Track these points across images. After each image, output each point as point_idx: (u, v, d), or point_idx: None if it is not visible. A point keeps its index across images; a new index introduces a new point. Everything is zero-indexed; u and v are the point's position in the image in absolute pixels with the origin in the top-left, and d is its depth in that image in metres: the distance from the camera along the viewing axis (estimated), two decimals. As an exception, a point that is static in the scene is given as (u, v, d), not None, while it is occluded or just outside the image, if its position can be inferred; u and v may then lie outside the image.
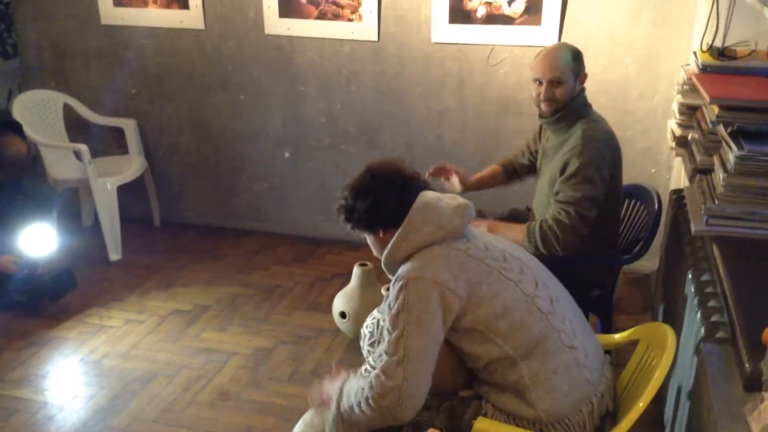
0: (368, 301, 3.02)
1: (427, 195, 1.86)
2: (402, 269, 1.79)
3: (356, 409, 1.77)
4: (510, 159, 2.88)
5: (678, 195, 2.72)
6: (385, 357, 1.74)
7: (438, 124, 3.72)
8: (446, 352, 1.83)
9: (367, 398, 1.74)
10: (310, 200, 4.09)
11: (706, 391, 1.60)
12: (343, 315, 3.05)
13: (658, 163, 3.45)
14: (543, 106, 2.48)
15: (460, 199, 1.87)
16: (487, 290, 1.75)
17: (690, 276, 2.18)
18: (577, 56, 2.45)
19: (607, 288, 2.61)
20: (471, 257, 1.79)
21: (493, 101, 3.59)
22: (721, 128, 2.20)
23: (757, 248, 2.02)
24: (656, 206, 2.58)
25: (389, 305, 1.78)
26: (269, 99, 3.93)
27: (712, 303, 1.95)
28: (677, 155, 2.75)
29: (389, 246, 1.84)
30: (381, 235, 1.90)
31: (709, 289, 2.02)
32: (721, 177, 2.09)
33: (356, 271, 3.07)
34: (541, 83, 2.44)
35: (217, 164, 4.17)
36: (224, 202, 4.25)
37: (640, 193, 2.73)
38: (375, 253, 2.00)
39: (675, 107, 2.80)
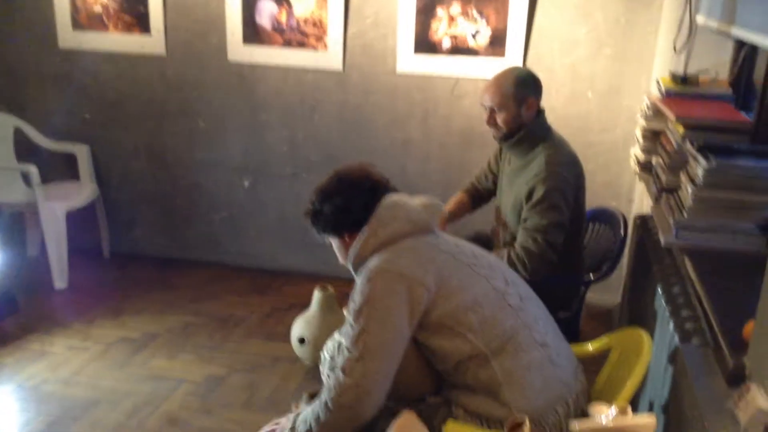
0: (329, 325, 2.91)
1: (394, 195, 1.83)
2: (369, 263, 1.72)
3: (313, 424, 1.67)
4: (473, 184, 2.86)
5: (642, 219, 2.72)
6: (345, 353, 1.67)
7: (402, 155, 3.69)
8: (414, 356, 1.76)
9: (325, 402, 1.67)
10: (269, 231, 3.99)
11: (687, 392, 1.55)
12: (302, 340, 2.93)
13: (620, 196, 3.47)
14: (492, 131, 2.49)
15: (430, 198, 1.84)
16: (458, 284, 1.69)
17: (659, 291, 2.15)
18: (523, 82, 2.43)
19: (572, 310, 2.56)
20: (441, 251, 1.75)
21: (457, 132, 3.59)
22: (688, 144, 2.22)
23: (725, 259, 2.01)
24: (622, 227, 2.58)
25: (352, 299, 1.70)
26: (230, 127, 3.86)
27: (684, 312, 1.91)
28: (641, 180, 2.76)
29: (357, 243, 1.78)
30: (347, 239, 1.84)
31: (680, 300, 1.99)
32: (689, 191, 2.09)
33: (317, 294, 2.97)
34: (485, 109, 2.46)
35: (172, 193, 4.05)
36: (179, 233, 4.12)
37: (605, 216, 2.72)
38: (340, 259, 1.93)
39: (638, 134, 2.83)
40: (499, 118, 2.42)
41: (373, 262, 1.72)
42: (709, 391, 1.48)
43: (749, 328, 1.50)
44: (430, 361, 1.75)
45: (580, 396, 1.73)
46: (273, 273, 3.93)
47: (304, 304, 3.35)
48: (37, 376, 2.85)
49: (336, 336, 2.65)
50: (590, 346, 1.96)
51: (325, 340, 2.84)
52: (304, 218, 1.96)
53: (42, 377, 2.84)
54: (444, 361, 1.71)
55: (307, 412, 1.76)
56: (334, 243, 1.91)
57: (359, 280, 1.72)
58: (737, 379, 1.42)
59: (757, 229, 2.04)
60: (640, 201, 3.27)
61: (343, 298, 3.18)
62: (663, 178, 2.39)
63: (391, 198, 1.81)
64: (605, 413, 0.96)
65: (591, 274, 2.58)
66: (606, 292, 3.46)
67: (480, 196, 2.83)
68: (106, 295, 3.60)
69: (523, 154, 2.46)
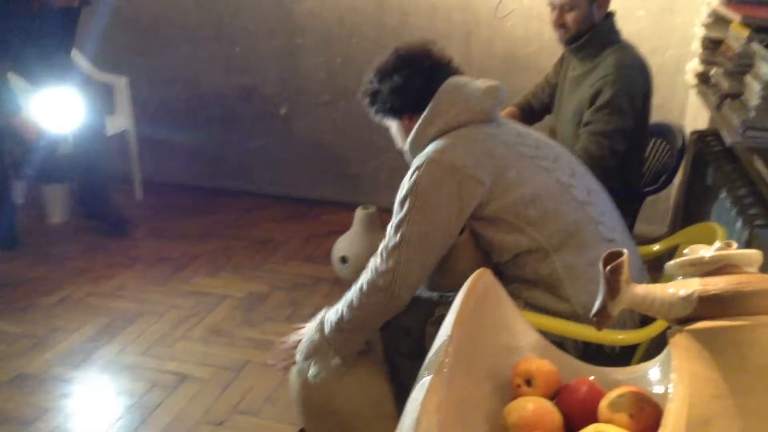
0: (371, 245, 2.86)
1: (456, 78, 1.74)
2: (425, 151, 1.66)
3: (345, 314, 1.65)
4: (528, 99, 2.75)
5: (699, 134, 2.63)
6: (386, 238, 1.63)
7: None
8: (470, 247, 1.70)
9: (360, 285, 1.64)
10: (305, 160, 3.93)
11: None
12: (343, 260, 2.90)
13: (671, 119, 3.36)
14: (557, 34, 2.39)
15: (492, 81, 1.75)
16: (516, 176, 1.62)
17: (723, 195, 2.07)
18: None
19: (628, 222, 2.49)
20: (500, 142, 1.67)
21: (499, 56, 3.49)
22: (755, 44, 2.12)
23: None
24: (680, 141, 2.48)
25: (403, 183, 1.65)
26: (265, 52, 3.79)
27: (753, 210, 1.84)
28: (699, 94, 2.66)
29: (414, 130, 1.71)
30: (406, 121, 1.77)
31: (748, 200, 1.91)
32: (756, 90, 2.00)
33: (359, 213, 2.92)
34: (554, 8, 2.35)
35: (207, 122, 4.01)
36: (214, 161, 4.08)
37: (660, 130, 2.63)
38: (399, 144, 1.86)
39: (696, 45, 2.72)
40: (570, 17, 2.30)
41: (427, 151, 1.65)
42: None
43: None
44: (487, 252, 1.69)
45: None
46: (310, 202, 3.89)
47: (344, 231, 3.33)
48: (81, 289, 2.85)
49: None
50: (655, 247, 1.89)
51: (367, 261, 2.81)
52: (361, 97, 1.89)
53: (86, 290, 2.84)
54: (501, 253, 1.64)
55: (339, 303, 1.72)
56: (393, 126, 1.83)
57: (412, 166, 1.66)
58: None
59: (830, 128, 1.95)
60: (693, 120, 3.16)
61: (385, 215, 3.15)
62: (725, 84, 2.29)
63: (451, 81, 1.72)
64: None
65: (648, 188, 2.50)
66: (652, 223, 3.37)
67: (533, 111, 2.72)
68: (143, 219, 3.59)
69: (589, 57, 2.35)
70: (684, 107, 3.33)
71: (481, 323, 1.04)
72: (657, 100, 3.33)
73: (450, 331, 0.98)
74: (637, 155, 2.45)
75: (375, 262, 1.65)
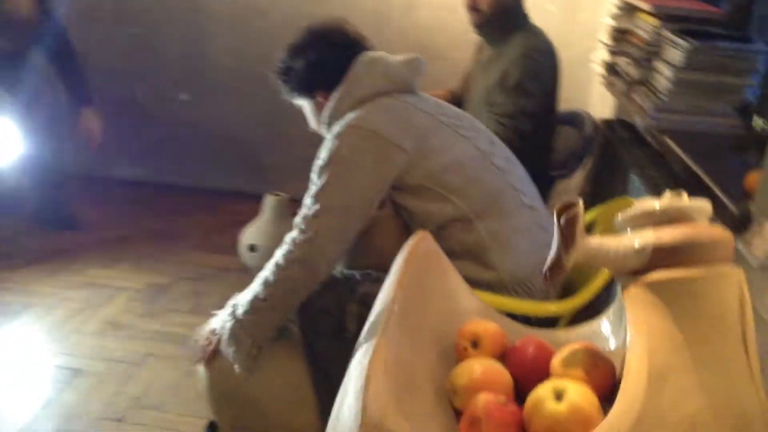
0: (281, 233, 2.74)
1: (372, 52, 1.69)
2: (343, 119, 1.59)
3: (260, 293, 1.57)
4: (450, 91, 2.72)
5: (606, 122, 2.69)
6: (303, 209, 1.56)
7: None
8: (392, 224, 1.64)
9: (275, 262, 1.56)
10: (211, 149, 3.76)
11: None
12: (252, 248, 2.77)
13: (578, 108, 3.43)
14: (469, 16, 2.37)
15: (411, 54, 1.71)
16: (438, 144, 1.58)
17: (635, 176, 2.11)
18: None
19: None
20: (421, 111, 1.62)
21: (412, 45, 3.45)
22: (665, 31, 2.17)
23: (701, 140, 1.99)
24: (590, 127, 2.53)
25: (320, 152, 1.58)
26: (166, 33, 3.59)
27: (664, 189, 1.87)
28: (605, 84, 2.72)
29: (332, 101, 1.63)
30: (320, 99, 1.70)
31: (660, 181, 1.95)
32: (667, 74, 2.05)
33: (268, 200, 2.80)
34: None
35: (102, 105, 3.75)
36: (108, 149, 3.83)
37: (568, 117, 2.66)
38: (312, 124, 1.78)
39: (603, 37, 2.78)
40: (482, 1, 2.29)
41: (345, 119, 1.58)
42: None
43: (752, 177, 1.46)
44: (409, 225, 1.63)
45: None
46: (216, 192, 3.72)
47: (248, 221, 3.21)
48: (-42, 283, 2.59)
49: (288, 239, 2.52)
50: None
51: (275, 249, 2.70)
52: (274, 76, 1.80)
53: (-37, 284, 2.59)
54: (425, 224, 1.59)
55: (252, 284, 1.63)
56: (306, 106, 1.76)
57: (329, 134, 1.59)
58: (744, 223, 1.38)
59: (734, 110, 2.02)
60: (598, 109, 3.23)
61: (295, 209, 3.05)
62: (634, 72, 2.35)
63: (368, 55, 1.67)
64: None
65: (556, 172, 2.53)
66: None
67: (457, 100, 2.68)
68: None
69: (500, 41, 2.35)
70: (588, 98, 3.41)
71: (424, 286, 0.98)
72: (563, 92, 3.41)
73: (393, 292, 0.91)
74: (545, 139, 2.46)
75: (291, 234, 1.57)
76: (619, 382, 0.77)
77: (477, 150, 1.62)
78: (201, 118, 3.71)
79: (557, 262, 0.85)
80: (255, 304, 1.58)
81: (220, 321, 1.66)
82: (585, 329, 0.99)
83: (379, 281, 1.57)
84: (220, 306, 2.49)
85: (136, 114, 3.74)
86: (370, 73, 1.64)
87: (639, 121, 2.08)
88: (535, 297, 1.55)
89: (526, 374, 0.88)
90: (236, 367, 1.62)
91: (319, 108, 1.72)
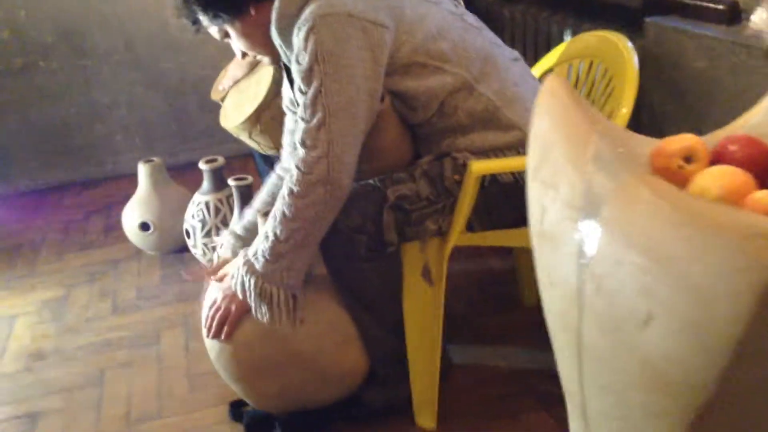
0: (171, 200, 2.47)
1: None
2: (302, 16, 1.40)
3: (280, 233, 1.38)
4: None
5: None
6: (301, 125, 1.38)
7: (158, 10, 3.16)
8: (393, 117, 1.51)
9: (290, 192, 1.37)
10: (14, 141, 3.19)
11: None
12: (144, 226, 2.44)
13: None
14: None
15: None
16: (413, 13, 1.46)
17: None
18: None
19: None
20: None
21: None
22: None
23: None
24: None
25: (297, 60, 1.40)
26: None
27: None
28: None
29: (277, 4, 1.43)
30: (253, 13, 1.47)
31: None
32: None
33: (143, 169, 2.46)
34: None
35: None
36: None
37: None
38: (247, 48, 1.55)
39: None
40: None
41: (308, 12, 1.38)
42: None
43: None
44: (408, 116, 1.51)
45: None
46: (39, 192, 3.19)
47: (103, 210, 2.92)
48: None
49: (197, 197, 2.25)
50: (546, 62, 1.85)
51: (173, 220, 2.40)
52: (178, 12, 1.53)
53: None
54: (426, 106, 1.48)
55: (263, 229, 1.44)
56: (234, 30, 1.51)
57: (298, 38, 1.39)
58: (734, 18, 1.46)
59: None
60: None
61: (173, 170, 2.73)
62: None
63: None
64: None
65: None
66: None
67: None
68: None
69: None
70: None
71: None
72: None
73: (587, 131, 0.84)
74: None
75: (297, 156, 1.38)
76: None
77: (450, 13, 1.53)
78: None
79: None
80: (277, 248, 1.39)
81: (236, 282, 1.45)
82: (743, 122, 0.99)
83: (403, 181, 1.48)
84: (146, 297, 2.22)
85: None
86: None
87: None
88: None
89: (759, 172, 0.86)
90: (276, 324, 1.43)
91: (254, 25, 1.49)
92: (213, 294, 1.53)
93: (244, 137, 2.22)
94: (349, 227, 1.44)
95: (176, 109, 3.33)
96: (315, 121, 1.36)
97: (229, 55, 2.74)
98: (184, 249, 2.43)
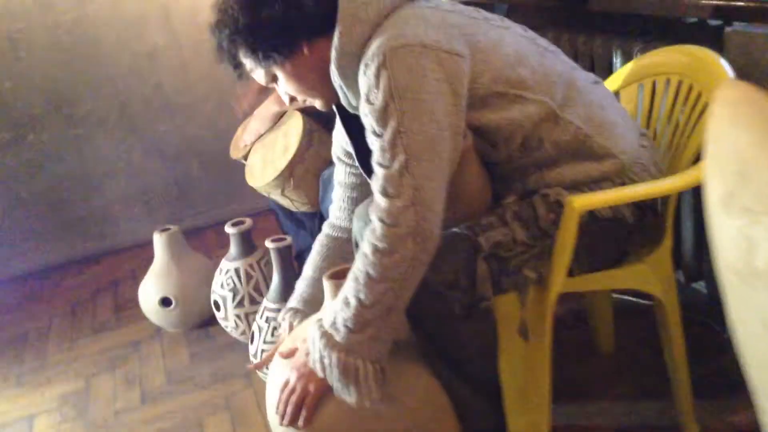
0: (192, 271, 2.27)
1: None
2: (369, 51, 1.25)
3: (365, 298, 1.19)
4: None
5: None
6: (380, 172, 1.21)
7: (151, 71, 3.00)
8: (475, 163, 1.35)
9: (374, 250, 1.19)
10: (4, 221, 2.96)
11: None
12: (166, 302, 2.23)
13: None
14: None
15: None
16: (486, 39, 1.30)
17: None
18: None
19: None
20: (447, 11, 1.33)
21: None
22: None
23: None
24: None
25: (367, 100, 1.23)
26: None
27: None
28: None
29: (336, 41, 1.27)
30: (306, 53, 1.32)
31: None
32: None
33: (159, 239, 2.26)
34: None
35: None
36: None
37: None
38: (297, 91, 1.39)
39: None
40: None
41: (375, 45, 1.23)
42: None
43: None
44: (488, 154, 1.35)
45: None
46: (35, 274, 2.96)
47: (109, 287, 2.71)
48: None
49: (224, 265, 2.05)
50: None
51: (196, 292, 2.21)
52: (219, 55, 1.37)
53: None
54: (508, 140, 1.32)
55: (340, 297, 1.25)
56: (283, 73, 1.35)
57: (366, 76, 1.23)
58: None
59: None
60: None
61: (190, 235, 2.54)
62: None
63: None
64: None
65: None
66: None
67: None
68: None
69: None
70: None
71: None
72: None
73: None
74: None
75: (381, 207, 1.20)
76: None
77: (522, 37, 1.38)
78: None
79: None
80: (362, 315, 1.20)
81: (313, 358, 1.25)
82: None
83: (494, 227, 1.31)
84: (178, 380, 2.01)
85: None
86: None
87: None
88: (650, 171, 1.38)
89: None
90: (364, 403, 1.24)
91: (307, 66, 1.33)
92: (283, 373, 1.34)
93: (275, 195, 2.04)
94: (440, 283, 1.26)
95: (176, 172, 3.14)
96: (396, 165, 1.19)
97: (227, 112, 2.59)
98: (209, 323, 2.23)
